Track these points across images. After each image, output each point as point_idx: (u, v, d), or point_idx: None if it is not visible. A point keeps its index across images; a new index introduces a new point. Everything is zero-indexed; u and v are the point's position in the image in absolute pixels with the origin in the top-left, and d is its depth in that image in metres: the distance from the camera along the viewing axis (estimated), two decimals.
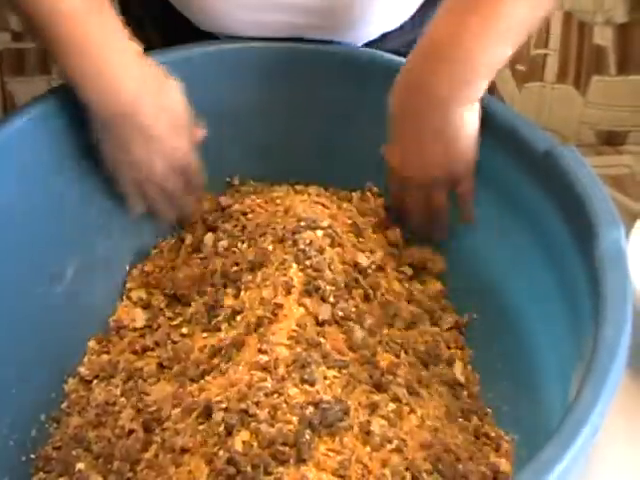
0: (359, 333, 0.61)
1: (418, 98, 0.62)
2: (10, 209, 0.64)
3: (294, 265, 0.63)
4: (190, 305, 0.68)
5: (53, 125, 0.67)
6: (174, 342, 0.66)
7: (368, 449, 0.54)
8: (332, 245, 0.65)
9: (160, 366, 0.64)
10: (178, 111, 0.68)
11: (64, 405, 0.65)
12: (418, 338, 0.64)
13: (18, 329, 0.63)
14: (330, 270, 0.63)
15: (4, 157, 0.64)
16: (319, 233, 0.65)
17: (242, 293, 0.65)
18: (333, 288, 0.62)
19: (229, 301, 0.65)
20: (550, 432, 0.43)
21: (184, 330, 0.67)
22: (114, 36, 0.64)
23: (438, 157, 0.64)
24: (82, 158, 0.69)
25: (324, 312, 0.61)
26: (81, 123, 0.68)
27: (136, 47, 0.65)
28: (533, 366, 0.59)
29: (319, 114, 0.74)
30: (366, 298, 0.65)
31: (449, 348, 0.65)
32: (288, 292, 0.62)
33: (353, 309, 0.63)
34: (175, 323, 0.68)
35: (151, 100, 0.65)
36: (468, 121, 0.62)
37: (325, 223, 0.67)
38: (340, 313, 0.62)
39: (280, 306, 0.61)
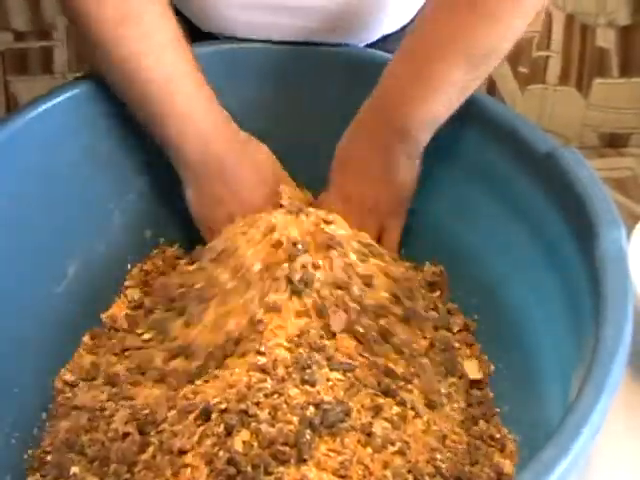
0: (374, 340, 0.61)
1: (362, 145, 0.68)
2: (11, 208, 0.64)
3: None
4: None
5: (55, 126, 0.67)
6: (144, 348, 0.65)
7: (369, 450, 0.54)
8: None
9: (138, 370, 0.63)
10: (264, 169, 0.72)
11: (51, 407, 0.64)
12: (436, 343, 0.64)
13: (21, 328, 0.64)
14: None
15: (5, 156, 0.64)
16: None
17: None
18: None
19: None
20: (551, 432, 0.43)
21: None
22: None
23: (371, 196, 0.69)
24: (83, 160, 0.69)
25: (338, 323, 0.61)
26: (82, 124, 0.68)
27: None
28: (534, 366, 0.59)
29: (320, 115, 0.74)
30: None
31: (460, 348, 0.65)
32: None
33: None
34: None
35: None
36: (405, 170, 0.67)
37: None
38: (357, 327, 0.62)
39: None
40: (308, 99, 0.75)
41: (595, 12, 1.59)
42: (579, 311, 0.52)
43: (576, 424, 0.42)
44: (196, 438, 0.55)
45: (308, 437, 0.53)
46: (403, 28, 0.79)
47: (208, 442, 0.54)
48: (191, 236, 0.74)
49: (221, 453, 0.53)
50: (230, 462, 0.52)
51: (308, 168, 0.73)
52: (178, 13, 0.76)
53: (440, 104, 0.63)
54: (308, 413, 0.54)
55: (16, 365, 0.63)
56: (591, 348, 0.46)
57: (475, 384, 0.63)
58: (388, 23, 0.77)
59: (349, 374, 0.58)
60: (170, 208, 0.75)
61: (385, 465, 0.54)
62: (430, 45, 0.63)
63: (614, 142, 1.69)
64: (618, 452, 0.58)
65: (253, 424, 0.54)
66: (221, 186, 0.69)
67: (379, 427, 0.55)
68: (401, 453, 0.54)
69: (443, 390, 0.61)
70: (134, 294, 0.72)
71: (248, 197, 0.70)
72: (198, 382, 0.60)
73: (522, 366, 0.61)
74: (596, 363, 0.45)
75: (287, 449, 0.52)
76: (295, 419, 0.54)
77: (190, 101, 0.67)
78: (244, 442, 0.53)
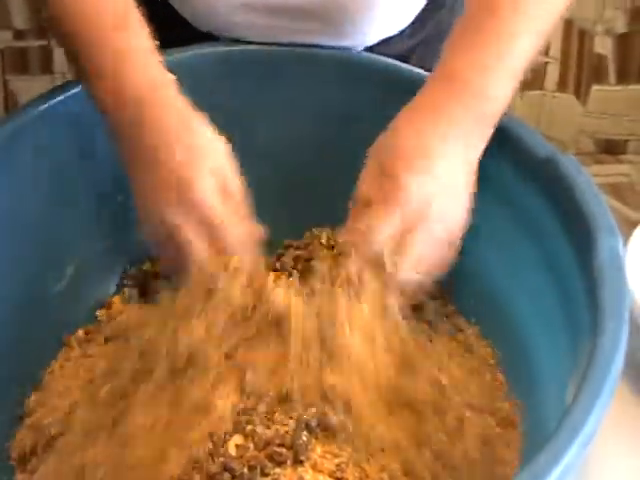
0: None
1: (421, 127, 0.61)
2: (10, 208, 0.64)
3: None
4: None
5: (54, 125, 0.67)
6: None
7: (365, 453, 0.54)
8: None
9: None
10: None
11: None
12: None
13: (21, 327, 0.64)
14: None
15: (4, 156, 0.64)
16: None
17: None
18: None
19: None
20: (546, 438, 0.43)
21: None
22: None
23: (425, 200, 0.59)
24: (83, 160, 0.69)
25: None
26: (82, 123, 0.68)
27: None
28: (531, 373, 0.59)
29: (318, 118, 0.74)
30: None
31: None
32: None
33: None
34: None
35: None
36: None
37: None
38: None
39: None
40: (306, 101, 0.74)
41: (593, 19, 1.60)
42: (576, 317, 0.53)
43: (571, 430, 0.43)
44: None
45: (304, 439, 0.53)
46: (401, 32, 0.79)
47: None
48: None
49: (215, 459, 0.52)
50: (225, 467, 0.51)
51: (305, 171, 0.74)
52: (177, 14, 0.77)
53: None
54: (304, 415, 0.54)
55: (17, 365, 0.63)
56: (587, 354, 0.47)
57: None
58: (385, 26, 0.77)
59: None
60: None
61: (382, 468, 0.54)
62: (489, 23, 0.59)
63: (611, 148, 1.70)
64: (613, 459, 0.58)
65: (248, 427, 0.53)
66: (164, 170, 0.59)
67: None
68: (397, 455, 0.55)
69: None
70: (132, 293, 0.72)
71: (201, 200, 0.58)
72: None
73: (520, 373, 0.61)
74: (592, 369, 0.45)
75: (283, 450, 0.52)
76: (291, 421, 0.54)
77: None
78: (237, 445, 0.53)
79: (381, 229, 0.58)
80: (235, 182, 0.61)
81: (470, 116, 0.59)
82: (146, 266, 0.74)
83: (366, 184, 0.60)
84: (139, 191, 0.61)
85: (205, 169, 0.59)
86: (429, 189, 0.58)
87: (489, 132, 0.60)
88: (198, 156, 0.59)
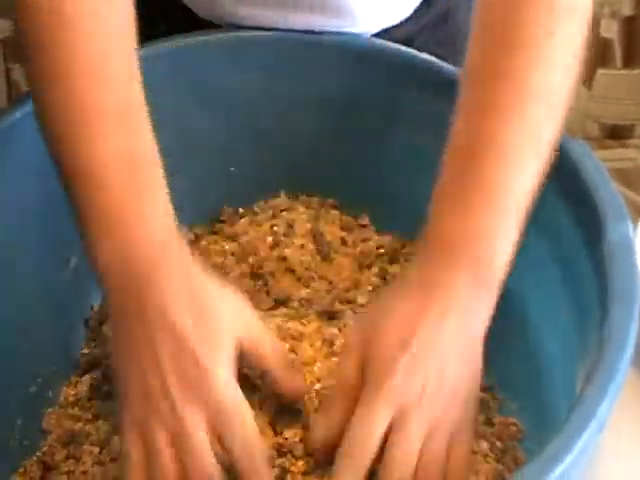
0: None
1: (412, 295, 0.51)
2: (12, 198, 0.64)
3: None
4: None
5: None
6: None
7: None
8: None
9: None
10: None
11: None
12: None
13: (28, 320, 0.63)
14: None
15: (6, 147, 0.63)
16: None
17: None
18: None
19: None
20: (555, 427, 0.43)
21: None
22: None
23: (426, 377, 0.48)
24: None
25: None
26: None
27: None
28: (538, 363, 0.59)
29: (323, 107, 0.74)
30: None
31: None
32: None
33: None
34: None
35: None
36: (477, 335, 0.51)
37: None
38: None
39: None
40: (311, 88, 0.74)
41: (599, 2, 1.59)
42: (585, 305, 0.52)
43: (583, 418, 0.42)
44: None
45: None
46: (405, 19, 0.78)
47: None
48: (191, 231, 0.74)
49: None
50: None
51: (309, 163, 0.73)
52: (179, 3, 0.76)
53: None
54: None
55: (27, 359, 0.63)
56: (597, 343, 0.46)
57: None
58: (387, 16, 0.76)
59: None
60: (172, 198, 0.74)
61: None
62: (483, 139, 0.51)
63: (617, 133, 1.69)
64: (622, 449, 0.58)
65: None
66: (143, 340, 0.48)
67: None
68: None
69: None
70: None
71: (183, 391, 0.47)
72: None
73: (525, 363, 0.61)
74: (603, 358, 0.45)
75: None
76: None
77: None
78: None
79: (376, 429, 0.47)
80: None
81: (471, 286, 0.50)
82: None
83: (350, 369, 0.50)
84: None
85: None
86: (425, 372, 0.48)
87: (494, 295, 0.51)
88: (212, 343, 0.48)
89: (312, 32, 0.73)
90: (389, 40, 0.72)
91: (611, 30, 1.62)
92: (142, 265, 0.49)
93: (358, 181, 0.74)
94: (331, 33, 0.73)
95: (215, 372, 0.47)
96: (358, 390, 0.49)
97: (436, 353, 0.48)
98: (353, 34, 0.74)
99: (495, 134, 0.51)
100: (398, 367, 0.47)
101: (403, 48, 0.70)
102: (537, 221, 0.61)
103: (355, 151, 0.74)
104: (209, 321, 0.48)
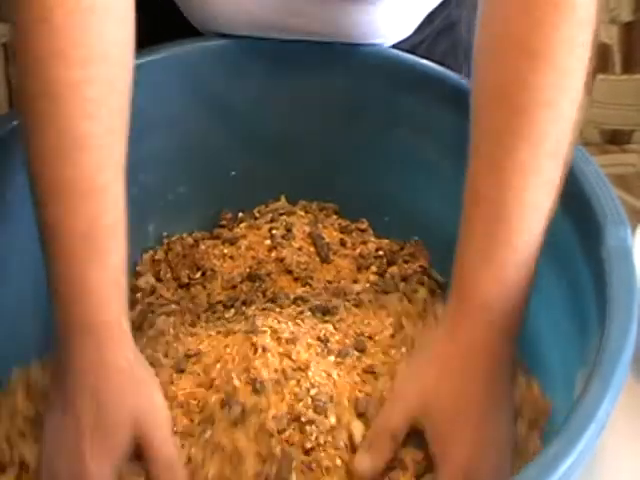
0: None
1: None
2: (16, 200, 0.63)
3: None
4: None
5: None
6: None
7: None
8: None
9: None
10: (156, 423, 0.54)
11: None
12: None
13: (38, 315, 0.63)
14: None
15: (10, 148, 0.63)
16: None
17: None
18: None
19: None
20: (554, 431, 0.43)
21: None
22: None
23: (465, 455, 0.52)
24: None
25: None
26: None
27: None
28: (538, 365, 0.59)
29: (327, 114, 0.74)
30: None
31: None
32: None
33: None
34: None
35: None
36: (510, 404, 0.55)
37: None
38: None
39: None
40: (314, 97, 0.74)
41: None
42: (584, 309, 0.52)
43: (582, 420, 0.43)
44: None
45: None
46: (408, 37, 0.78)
47: None
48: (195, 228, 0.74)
49: None
50: None
51: (309, 168, 0.74)
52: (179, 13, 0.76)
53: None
54: None
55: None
56: (596, 347, 0.46)
57: None
58: (391, 34, 0.76)
59: None
60: (173, 202, 0.75)
61: None
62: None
63: (617, 139, 1.69)
64: (621, 454, 0.58)
65: None
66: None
67: None
68: None
69: None
70: (147, 280, 0.71)
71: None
72: None
73: (525, 364, 0.60)
74: (602, 360, 0.45)
75: None
76: None
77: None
78: None
79: None
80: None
81: (502, 343, 0.54)
82: (159, 255, 0.73)
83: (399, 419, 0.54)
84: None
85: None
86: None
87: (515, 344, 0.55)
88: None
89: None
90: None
91: (611, 36, 1.62)
92: (66, 347, 0.53)
93: (358, 186, 0.75)
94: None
95: (92, 472, 0.51)
96: (401, 437, 0.53)
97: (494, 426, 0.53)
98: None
99: (517, 191, 0.53)
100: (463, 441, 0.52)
101: (407, 55, 0.71)
102: None
103: (355, 157, 0.74)
104: (106, 419, 0.52)
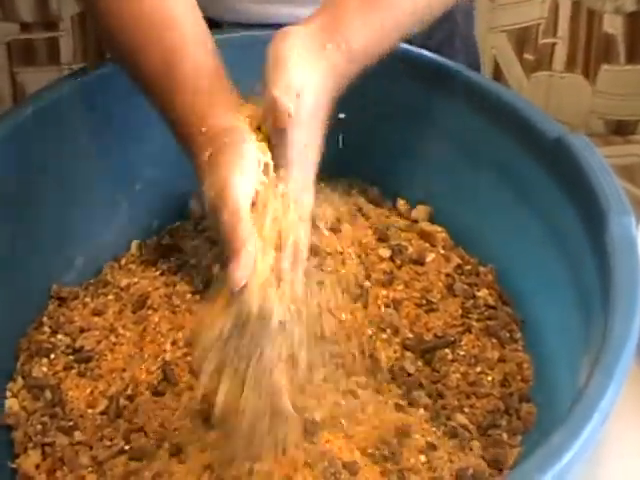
0: None
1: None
2: (19, 199, 0.64)
3: None
4: None
5: (62, 116, 0.67)
6: None
7: None
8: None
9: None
10: None
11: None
12: None
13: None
14: None
15: (13, 146, 0.64)
16: None
17: None
18: None
19: None
20: (559, 419, 0.43)
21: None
22: None
23: None
24: (91, 151, 0.69)
25: None
26: (89, 115, 0.68)
27: None
28: (542, 353, 0.59)
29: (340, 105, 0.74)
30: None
31: None
32: None
33: None
34: None
35: None
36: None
37: None
38: None
39: None
40: None
41: None
42: (588, 298, 0.52)
43: (586, 410, 0.42)
44: None
45: None
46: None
47: None
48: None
49: None
50: None
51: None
52: None
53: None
54: None
55: None
56: (601, 334, 0.46)
57: None
58: None
59: None
60: (177, 199, 0.75)
61: None
62: None
63: (621, 129, 1.69)
64: (626, 442, 0.58)
65: None
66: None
67: None
68: None
69: None
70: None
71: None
72: None
73: (530, 353, 0.61)
74: (606, 349, 0.45)
75: None
76: None
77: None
78: None
79: None
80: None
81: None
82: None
83: None
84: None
85: None
86: None
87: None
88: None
89: None
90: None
91: (615, 26, 1.61)
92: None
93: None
94: None
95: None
96: None
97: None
98: None
99: None
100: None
101: (415, 49, 0.71)
102: (541, 215, 0.61)
103: (366, 142, 0.74)
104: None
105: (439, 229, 0.70)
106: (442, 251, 0.69)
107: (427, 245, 0.69)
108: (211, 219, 0.55)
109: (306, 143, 0.56)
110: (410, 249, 0.68)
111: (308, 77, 0.56)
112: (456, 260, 0.68)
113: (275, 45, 0.57)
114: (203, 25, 0.62)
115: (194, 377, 0.60)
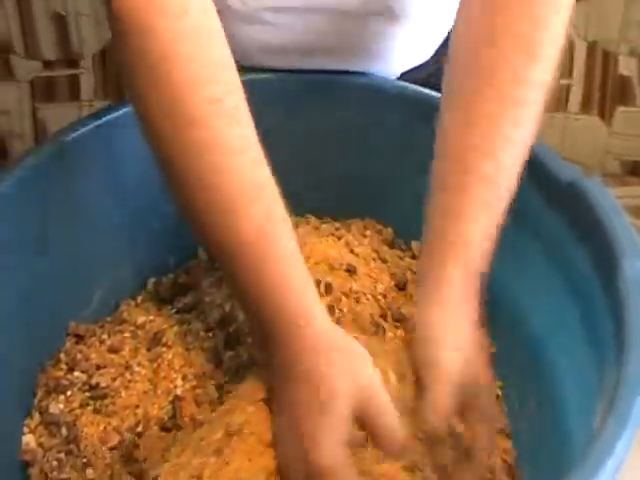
0: None
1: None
2: (39, 235, 0.65)
3: None
4: None
5: (81, 154, 0.68)
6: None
7: None
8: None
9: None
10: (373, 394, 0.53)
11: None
12: None
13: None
14: None
15: (33, 184, 0.64)
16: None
17: None
18: None
19: None
20: (573, 464, 0.43)
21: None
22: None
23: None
24: (109, 188, 0.70)
25: None
26: (108, 154, 0.69)
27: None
28: (555, 397, 0.59)
29: (342, 145, 0.75)
30: None
31: None
32: None
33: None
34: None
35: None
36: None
37: None
38: None
39: None
40: (328, 129, 0.75)
41: (617, 40, 1.59)
42: (600, 342, 0.52)
43: (601, 455, 0.42)
44: None
45: None
46: (424, 63, 0.79)
47: None
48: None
49: None
50: None
51: (327, 200, 0.74)
52: None
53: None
54: None
55: None
56: (614, 379, 0.46)
57: None
58: (407, 61, 0.77)
59: None
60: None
61: None
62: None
63: (637, 170, 1.69)
64: None
65: None
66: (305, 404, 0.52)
67: None
68: None
69: None
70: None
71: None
72: None
73: (543, 397, 0.61)
74: (619, 393, 0.45)
75: None
76: None
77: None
78: None
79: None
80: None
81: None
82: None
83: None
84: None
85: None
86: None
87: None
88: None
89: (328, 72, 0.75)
90: (411, 80, 0.73)
91: (630, 68, 1.62)
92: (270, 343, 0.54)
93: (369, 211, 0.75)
94: (342, 72, 0.74)
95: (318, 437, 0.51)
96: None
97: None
98: (366, 73, 0.75)
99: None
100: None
101: (421, 88, 0.71)
102: (554, 259, 0.61)
103: (368, 181, 0.74)
104: (325, 397, 0.51)
105: None
106: None
107: None
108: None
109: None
110: None
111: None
112: None
113: (422, 330, 0.56)
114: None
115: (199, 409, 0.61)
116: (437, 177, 0.59)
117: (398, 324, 0.66)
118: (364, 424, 0.52)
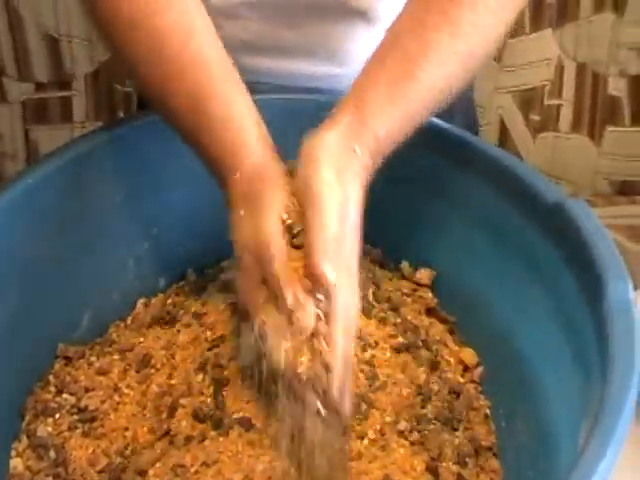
0: None
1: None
2: (28, 256, 0.65)
3: None
4: None
5: (71, 176, 0.68)
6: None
7: None
8: None
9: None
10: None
11: None
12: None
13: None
14: None
15: (22, 206, 0.65)
16: None
17: None
18: None
19: None
20: None
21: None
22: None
23: None
24: (98, 209, 0.70)
25: None
26: (97, 175, 0.69)
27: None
28: (542, 419, 0.59)
29: None
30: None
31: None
32: None
33: None
34: None
35: None
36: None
37: None
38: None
39: None
40: None
41: (606, 61, 1.61)
42: (586, 363, 0.52)
43: (582, 476, 0.42)
44: None
45: None
46: None
47: None
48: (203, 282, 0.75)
49: None
50: None
51: None
52: None
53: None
54: None
55: None
56: (598, 400, 0.47)
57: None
58: None
59: None
60: (184, 256, 0.76)
61: None
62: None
63: (626, 189, 1.70)
64: None
65: None
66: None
67: None
68: None
69: None
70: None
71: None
72: None
73: (530, 416, 0.61)
74: (603, 415, 0.45)
75: None
76: None
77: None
78: None
79: None
80: None
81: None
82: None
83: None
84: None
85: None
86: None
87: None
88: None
89: (320, 92, 0.75)
90: None
91: (619, 88, 1.63)
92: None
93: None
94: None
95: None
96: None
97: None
98: None
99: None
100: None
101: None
102: (540, 280, 0.62)
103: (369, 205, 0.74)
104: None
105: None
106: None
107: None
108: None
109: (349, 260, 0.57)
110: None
111: (344, 194, 0.57)
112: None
113: (306, 151, 0.58)
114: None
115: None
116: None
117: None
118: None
